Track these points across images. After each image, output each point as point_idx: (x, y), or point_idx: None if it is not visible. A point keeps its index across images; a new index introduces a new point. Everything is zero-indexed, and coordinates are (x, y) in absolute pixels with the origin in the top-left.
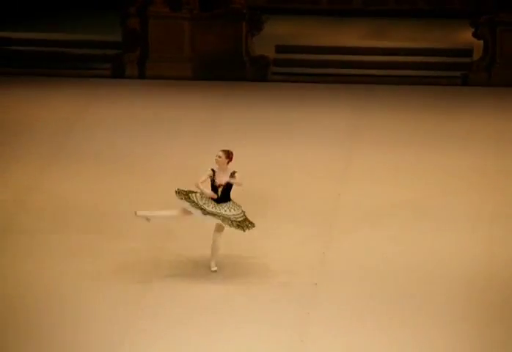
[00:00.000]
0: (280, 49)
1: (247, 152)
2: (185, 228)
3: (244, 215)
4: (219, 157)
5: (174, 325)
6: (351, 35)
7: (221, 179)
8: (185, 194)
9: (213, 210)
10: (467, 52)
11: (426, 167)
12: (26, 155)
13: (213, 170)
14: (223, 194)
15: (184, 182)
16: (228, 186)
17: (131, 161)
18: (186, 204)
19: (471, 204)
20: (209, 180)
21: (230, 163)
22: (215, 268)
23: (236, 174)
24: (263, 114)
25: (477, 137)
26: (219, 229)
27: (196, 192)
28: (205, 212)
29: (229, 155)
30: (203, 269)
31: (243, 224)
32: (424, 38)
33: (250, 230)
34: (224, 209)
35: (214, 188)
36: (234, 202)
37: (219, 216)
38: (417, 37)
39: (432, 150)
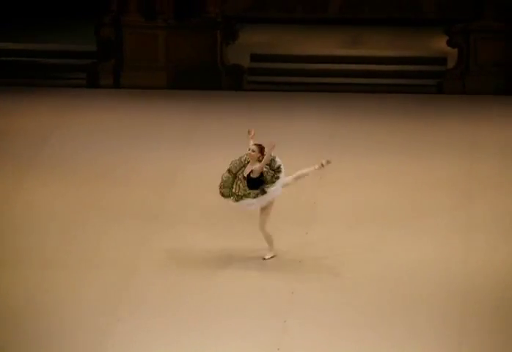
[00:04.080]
0: (255, 58)
1: (221, 161)
2: None
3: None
4: (253, 151)
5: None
6: (327, 44)
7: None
8: (227, 190)
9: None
10: (441, 60)
11: (401, 175)
12: (1, 165)
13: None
14: (253, 184)
15: (158, 190)
16: (258, 178)
17: (107, 170)
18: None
19: (445, 212)
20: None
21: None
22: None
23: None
24: (238, 122)
25: (452, 145)
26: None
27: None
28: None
29: (261, 150)
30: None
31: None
32: (399, 46)
33: None
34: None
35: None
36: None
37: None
38: (391, 45)
39: (408, 158)
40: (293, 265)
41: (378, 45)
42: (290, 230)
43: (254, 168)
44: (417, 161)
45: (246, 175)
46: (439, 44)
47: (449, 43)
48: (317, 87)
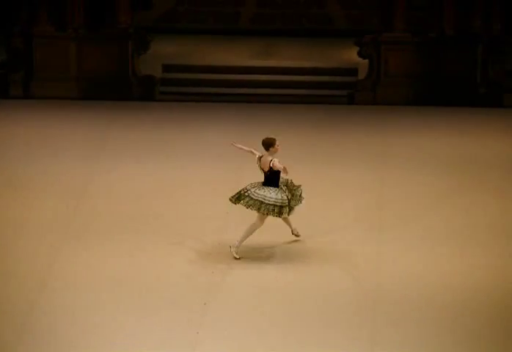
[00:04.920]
0: (167, 68)
1: (133, 172)
2: None
3: (287, 202)
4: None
5: None
6: (239, 54)
7: (266, 165)
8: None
9: (254, 191)
10: (352, 71)
11: (311, 185)
12: None
13: (260, 156)
14: (269, 179)
15: (69, 201)
16: (273, 173)
17: (16, 181)
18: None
19: (355, 221)
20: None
21: (272, 150)
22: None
23: (274, 161)
24: (150, 133)
25: (363, 155)
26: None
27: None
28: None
29: (271, 144)
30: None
31: (281, 209)
32: (310, 57)
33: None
34: (267, 191)
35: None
36: (281, 189)
37: (253, 201)
38: (303, 56)
39: (319, 168)
40: (206, 275)
41: (290, 56)
42: (202, 239)
43: (274, 162)
44: (327, 172)
45: (266, 171)
46: (350, 55)
47: (359, 54)
48: (229, 98)
